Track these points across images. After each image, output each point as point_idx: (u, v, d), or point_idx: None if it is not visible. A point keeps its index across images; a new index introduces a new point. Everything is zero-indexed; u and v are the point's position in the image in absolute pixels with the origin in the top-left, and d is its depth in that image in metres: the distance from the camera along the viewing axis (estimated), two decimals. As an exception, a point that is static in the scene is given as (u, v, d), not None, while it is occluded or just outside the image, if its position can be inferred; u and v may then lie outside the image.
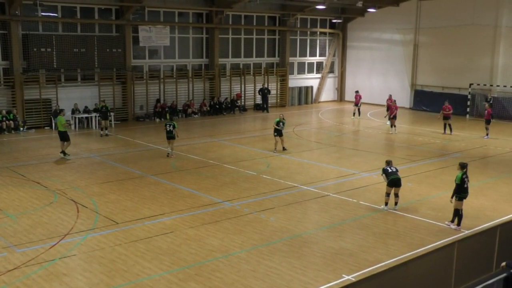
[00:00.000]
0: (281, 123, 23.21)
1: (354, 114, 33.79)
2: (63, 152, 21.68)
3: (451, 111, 28.49)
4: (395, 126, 28.73)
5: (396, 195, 15.26)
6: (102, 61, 30.53)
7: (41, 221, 13.89)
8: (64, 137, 21.69)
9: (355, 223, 14.09)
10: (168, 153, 22.14)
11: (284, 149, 23.28)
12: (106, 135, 26.68)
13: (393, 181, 14.97)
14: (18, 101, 28.09)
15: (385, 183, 15.13)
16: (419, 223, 14.16)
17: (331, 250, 12.21)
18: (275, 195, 16.64)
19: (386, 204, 15.31)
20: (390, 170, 15.07)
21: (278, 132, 23.19)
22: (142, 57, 33.12)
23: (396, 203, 15.28)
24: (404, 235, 13.19)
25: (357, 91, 35.04)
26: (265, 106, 36.78)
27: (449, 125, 28.30)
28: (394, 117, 28.62)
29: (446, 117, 28.30)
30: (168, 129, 21.93)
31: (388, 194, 15.17)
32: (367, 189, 17.43)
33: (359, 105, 33.81)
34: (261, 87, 37.14)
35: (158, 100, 32.76)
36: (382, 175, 15.25)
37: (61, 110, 23.00)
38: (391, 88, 39.97)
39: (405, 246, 12.49)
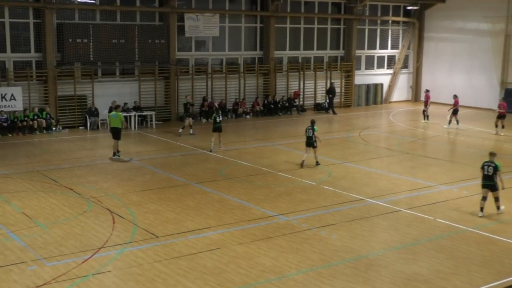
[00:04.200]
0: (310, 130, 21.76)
1: (425, 117, 33.04)
2: (117, 151, 22.82)
3: (506, 110, 29.28)
4: (456, 120, 30.82)
5: (496, 199, 15.76)
6: (143, 53, 31.13)
7: (74, 232, 14.23)
8: (119, 135, 22.77)
9: (431, 244, 13.78)
10: (211, 149, 23.76)
11: (316, 163, 21.84)
12: (191, 134, 27.78)
13: (484, 185, 15.78)
14: (51, 97, 29.00)
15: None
16: (509, 246, 13.73)
17: (402, 275, 11.99)
18: (337, 209, 16.48)
19: (482, 209, 15.76)
20: (485, 172, 15.82)
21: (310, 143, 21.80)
22: (187, 49, 33.58)
23: (498, 208, 15.84)
24: (491, 261, 12.81)
25: (427, 90, 34.53)
26: (331, 107, 36.49)
27: (503, 125, 29.16)
28: (455, 112, 30.47)
29: (500, 116, 29.03)
30: (218, 120, 23.88)
31: (484, 198, 15.69)
32: (446, 204, 17.03)
33: (427, 106, 33.13)
34: (331, 86, 36.90)
35: (205, 98, 33.08)
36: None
37: (118, 106, 23.92)
38: (476, 86, 39.09)
39: (492, 274, 12.12)
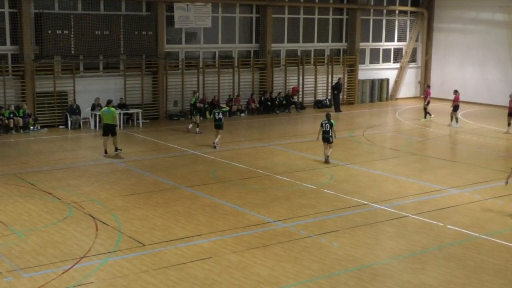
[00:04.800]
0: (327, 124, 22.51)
1: (425, 115, 33.11)
2: (115, 148, 23.57)
3: None
4: (456, 118, 31.28)
5: None
6: (129, 46, 31.13)
7: (53, 240, 14.21)
8: (113, 131, 23.46)
9: (440, 252, 13.82)
10: (215, 145, 24.66)
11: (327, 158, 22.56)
12: (197, 132, 28.13)
13: None
14: (29, 94, 28.97)
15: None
16: (524, 254, 13.79)
17: (409, 285, 12.02)
18: (339, 214, 16.51)
19: None
20: None
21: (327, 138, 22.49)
22: (177, 41, 33.61)
23: None
24: (504, 270, 12.85)
25: (428, 86, 34.77)
26: (336, 104, 36.51)
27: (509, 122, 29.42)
28: (455, 108, 31.03)
29: (510, 113, 29.28)
30: (218, 117, 24.79)
31: None
32: (457, 210, 17.08)
33: (426, 103, 33.16)
34: (337, 81, 36.94)
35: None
36: None
37: (111, 101, 24.41)
38: (490, 81, 39.23)
39: (506, 284, 12.16)
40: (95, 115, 29.22)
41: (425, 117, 33.15)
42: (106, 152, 23.36)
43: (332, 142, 22.47)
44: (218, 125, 25.00)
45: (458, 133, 29.41)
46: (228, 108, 27.38)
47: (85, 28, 29.63)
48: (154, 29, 31.75)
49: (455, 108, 31.31)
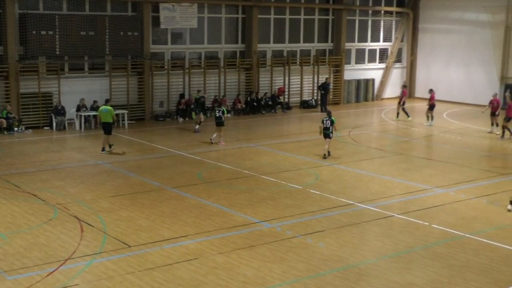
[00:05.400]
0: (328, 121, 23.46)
1: (405, 115, 33.29)
2: (109, 146, 24.20)
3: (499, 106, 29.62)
4: (431, 117, 31.77)
5: None
6: (114, 47, 31.02)
7: (38, 242, 14.14)
8: (110, 130, 24.20)
9: (426, 252, 13.88)
10: (212, 140, 25.67)
11: (328, 154, 23.56)
12: (198, 130, 28.75)
13: None
14: (13, 95, 28.78)
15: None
16: (509, 253, 13.86)
17: (395, 285, 12.06)
18: (325, 214, 16.54)
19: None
20: None
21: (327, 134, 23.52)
22: (163, 42, 33.54)
23: None
24: (490, 269, 12.93)
25: (404, 86, 34.99)
26: (323, 104, 36.53)
27: (497, 123, 29.49)
28: (431, 107, 31.58)
29: (493, 113, 29.42)
30: (218, 115, 25.64)
31: None
32: (442, 209, 17.16)
33: (401, 103, 33.32)
34: (324, 81, 36.96)
35: (182, 95, 33.06)
36: None
37: (108, 100, 25.81)
38: (475, 81, 39.44)
39: (490, 283, 12.23)
40: (80, 116, 29.12)
41: (397, 116, 33.31)
42: (110, 146, 24.29)
43: (331, 138, 23.55)
44: (218, 123, 25.81)
45: (443, 133, 29.54)
46: (226, 109, 27.58)
47: (70, 29, 29.48)
48: (139, 30, 31.67)
49: (431, 107, 31.64)
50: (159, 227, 15.32)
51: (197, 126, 28.85)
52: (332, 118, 23.45)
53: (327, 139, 23.41)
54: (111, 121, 24.27)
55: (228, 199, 17.84)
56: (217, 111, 25.90)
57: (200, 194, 18.30)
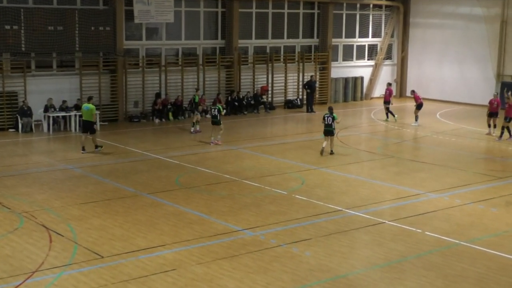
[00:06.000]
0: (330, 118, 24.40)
1: (387, 115, 33.50)
2: (95, 146, 24.66)
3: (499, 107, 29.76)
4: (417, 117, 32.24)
5: None
6: (85, 42, 30.90)
7: (2, 253, 14.00)
8: (91, 128, 24.64)
9: (419, 261, 13.93)
10: (212, 142, 26.40)
11: (331, 152, 24.50)
12: (196, 132, 29.37)
13: None
14: (-24, 95, 28.60)
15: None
16: (507, 262, 13.94)
17: (387, 297, 12.10)
18: (312, 221, 16.55)
19: None
20: None
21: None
22: (137, 37, 33.46)
23: None
24: (487, 279, 12.99)
25: (389, 84, 35.27)
26: (309, 104, 36.60)
27: (495, 124, 29.56)
28: (418, 107, 32.01)
29: (493, 114, 29.57)
30: (214, 114, 26.45)
31: None
32: (436, 215, 17.23)
33: (388, 103, 33.53)
34: (309, 79, 37.04)
35: (158, 95, 33.00)
36: None
37: (91, 98, 25.98)
38: (469, 79, 39.68)
39: (487, 293, 12.31)
40: (48, 117, 28.94)
41: (387, 117, 33.47)
42: (83, 149, 24.41)
43: (334, 135, 24.74)
44: (214, 122, 26.56)
45: (436, 134, 29.70)
46: (223, 107, 28.11)
47: (37, 23, 29.31)
48: (112, 24, 31.54)
49: (419, 106, 31.89)
50: (134, 236, 15.25)
51: (192, 128, 29.25)
52: (334, 114, 24.37)
53: (329, 136, 24.37)
54: (91, 119, 24.67)
55: (208, 206, 17.79)
56: (213, 109, 26.72)
57: (178, 201, 18.25)
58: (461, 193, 19.47)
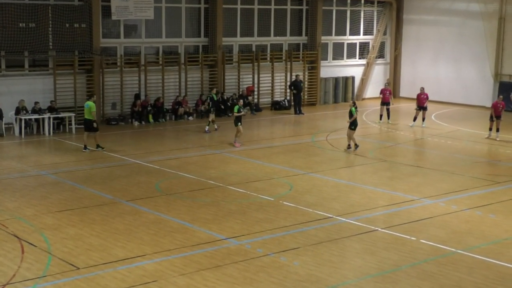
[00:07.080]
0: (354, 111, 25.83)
1: (381, 116, 33.68)
2: (96, 146, 25.68)
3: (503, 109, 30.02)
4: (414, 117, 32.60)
5: None
6: (59, 40, 30.82)
7: (-28, 264, 13.97)
8: (91, 126, 25.61)
9: (414, 270, 13.98)
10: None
11: (356, 146, 26.19)
12: (208, 131, 30.27)
13: None
14: None
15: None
16: (506, 271, 14.02)
17: (380, 308, 12.13)
18: (301, 229, 16.58)
19: None
20: None
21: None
22: (115, 35, 33.42)
23: None
24: (484, 288, 13.10)
25: (387, 83, 35.52)
26: (297, 105, 36.65)
27: (498, 128, 29.53)
28: (420, 109, 32.37)
29: (496, 116, 29.50)
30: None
31: None
32: (431, 222, 17.31)
33: (389, 104, 33.66)
34: (295, 79, 37.11)
35: (137, 96, 32.95)
36: None
37: (92, 95, 27.26)
38: (466, 79, 39.88)
39: (485, 304, 12.38)
40: (20, 120, 28.79)
41: (380, 119, 33.61)
42: (85, 147, 25.64)
43: (351, 129, 26.02)
44: (234, 122, 27.13)
45: (431, 137, 29.82)
46: (239, 106, 28.30)
47: (7, 20, 29.21)
48: (88, 21, 31.48)
49: (421, 108, 32.14)
50: (112, 246, 15.22)
51: (207, 127, 30.19)
52: (352, 108, 26.04)
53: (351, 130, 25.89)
54: (89, 117, 25.53)
55: (191, 213, 17.79)
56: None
57: (159, 208, 18.23)
58: (458, 198, 19.57)
